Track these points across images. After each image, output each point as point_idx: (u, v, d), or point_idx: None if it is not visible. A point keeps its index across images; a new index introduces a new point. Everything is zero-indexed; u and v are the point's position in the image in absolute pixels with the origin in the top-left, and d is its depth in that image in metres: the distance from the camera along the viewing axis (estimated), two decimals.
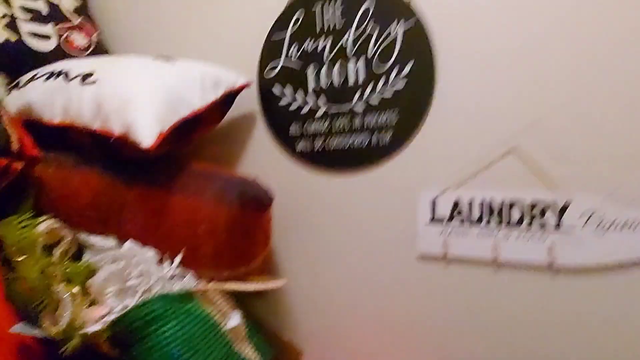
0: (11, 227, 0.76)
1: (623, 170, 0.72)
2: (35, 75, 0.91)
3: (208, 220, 0.82)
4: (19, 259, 0.74)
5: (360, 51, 0.90)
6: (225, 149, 1.04)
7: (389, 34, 0.87)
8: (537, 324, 0.80)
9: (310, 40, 0.94)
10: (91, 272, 0.82)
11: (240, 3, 1.02)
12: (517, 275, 0.80)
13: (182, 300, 0.76)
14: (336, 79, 0.92)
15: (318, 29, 0.93)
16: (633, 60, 0.71)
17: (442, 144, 0.85)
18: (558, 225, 0.76)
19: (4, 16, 0.97)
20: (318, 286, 0.98)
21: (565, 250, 0.76)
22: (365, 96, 0.90)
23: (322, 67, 0.93)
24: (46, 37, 1.02)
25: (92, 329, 0.71)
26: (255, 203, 0.83)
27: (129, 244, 0.81)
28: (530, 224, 0.78)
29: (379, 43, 0.88)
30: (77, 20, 1.09)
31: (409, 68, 0.86)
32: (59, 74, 0.89)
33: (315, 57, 0.94)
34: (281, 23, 0.97)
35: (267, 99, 1.00)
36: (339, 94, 0.92)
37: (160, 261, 0.82)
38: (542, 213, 0.78)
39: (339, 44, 0.91)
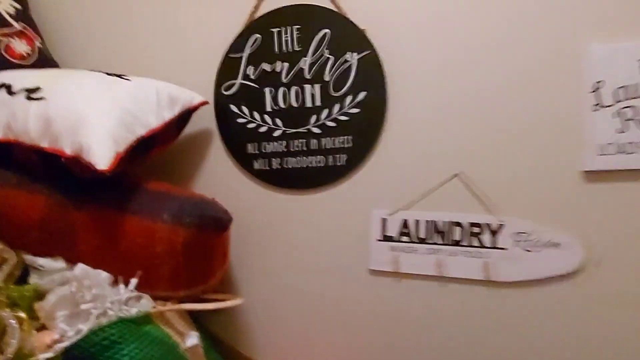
0: None
1: (547, 197, 0.82)
2: None
3: (165, 241, 0.81)
4: None
5: (317, 76, 0.93)
6: (180, 166, 1.04)
7: (345, 61, 0.92)
8: (477, 332, 0.88)
9: (267, 63, 0.96)
10: (39, 295, 0.79)
11: (197, 21, 1.02)
12: (458, 288, 0.89)
13: (140, 322, 0.75)
14: (293, 101, 0.96)
15: (276, 52, 0.96)
16: (561, 96, 0.81)
17: (393, 167, 0.91)
18: (493, 245, 0.85)
19: None
20: (275, 302, 1.01)
21: (499, 267, 0.85)
22: (321, 119, 0.94)
23: (280, 89, 0.96)
24: None
25: (43, 356, 0.69)
26: (214, 224, 0.84)
27: (81, 266, 0.78)
28: (469, 243, 0.87)
29: (334, 69, 0.92)
30: (17, 25, 1.03)
31: (363, 95, 0.91)
32: (1, 86, 0.84)
33: (272, 79, 0.96)
34: (238, 43, 0.98)
35: (224, 117, 1.01)
36: (296, 116, 0.96)
37: (115, 283, 0.81)
38: (479, 234, 0.86)
39: (296, 68, 0.95)
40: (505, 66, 0.83)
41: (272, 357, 1.01)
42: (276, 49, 0.96)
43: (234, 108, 1.00)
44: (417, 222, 0.90)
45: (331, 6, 0.92)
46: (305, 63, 0.94)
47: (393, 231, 0.91)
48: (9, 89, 0.83)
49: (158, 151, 0.93)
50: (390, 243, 0.92)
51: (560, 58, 0.80)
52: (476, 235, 0.86)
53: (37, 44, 1.05)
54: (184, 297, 0.87)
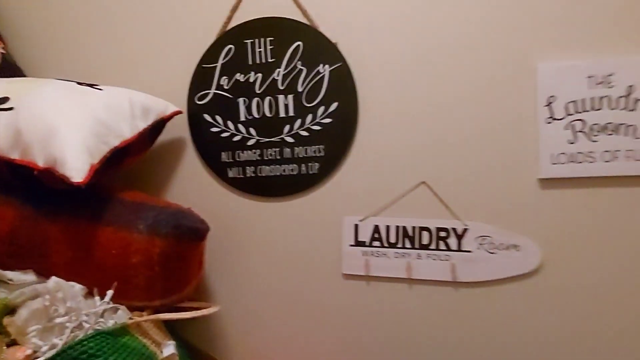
0: None
1: (507, 203, 0.88)
2: None
3: (142, 252, 0.81)
4: None
5: (290, 87, 0.96)
6: (154, 176, 1.03)
7: (317, 73, 0.95)
8: (444, 330, 0.93)
9: (241, 73, 0.98)
10: (8, 310, 0.77)
11: (170, 31, 1.02)
12: (426, 290, 0.93)
13: (117, 334, 0.76)
14: (267, 111, 0.98)
15: (249, 63, 0.98)
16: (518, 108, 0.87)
17: (364, 175, 0.95)
18: (458, 248, 0.91)
19: None
20: (250, 308, 1.02)
21: (465, 269, 0.91)
22: (295, 129, 0.97)
23: (254, 99, 0.98)
24: None
25: None
26: (191, 234, 0.84)
27: (54, 279, 0.78)
28: (437, 246, 0.92)
29: (307, 81, 0.95)
30: None
31: (335, 105, 0.94)
32: None
33: (246, 89, 0.98)
34: (212, 54, 0.99)
35: (198, 126, 1.02)
36: (270, 125, 0.98)
37: (90, 295, 0.81)
38: (446, 237, 0.91)
39: (270, 79, 0.97)
40: (468, 82, 0.89)
41: None
42: (250, 60, 0.98)
43: (207, 117, 1.01)
44: (388, 227, 0.94)
45: (303, 20, 0.95)
46: (278, 74, 0.96)
47: (365, 236, 0.95)
48: None
49: (131, 161, 0.93)
50: (362, 248, 0.96)
51: (518, 75, 0.86)
52: (443, 239, 0.91)
53: (0, 49, 1.02)
54: (160, 307, 0.87)
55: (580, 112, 0.84)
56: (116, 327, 0.76)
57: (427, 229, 0.92)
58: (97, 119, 0.82)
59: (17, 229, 0.81)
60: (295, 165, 0.97)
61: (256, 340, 1.03)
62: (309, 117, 0.96)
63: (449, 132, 0.90)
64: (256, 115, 0.98)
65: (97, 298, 0.80)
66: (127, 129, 0.87)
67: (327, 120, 0.95)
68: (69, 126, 0.79)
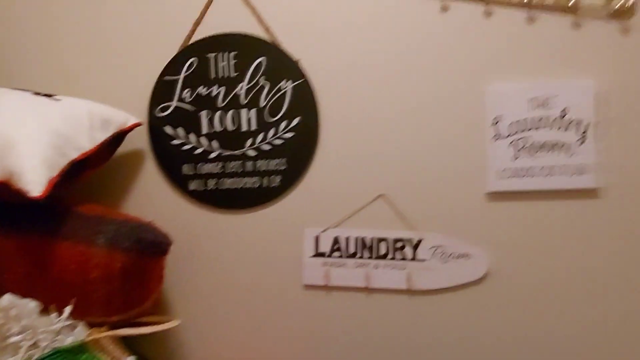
0: None
1: (459, 214, 0.94)
2: None
3: (101, 267, 0.80)
4: None
5: (253, 101, 0.98)
6: (112, 188, 1.02)
7: (280, 88, 0.97)
8: (400, 337, 0.98)
9: (204, 86, 0.99)
10: None
11: (132, 43, 1.02)
12: (384, 298, 0.98)
13: (75, 352, 0.74)
14: (230, 125, 0.99)
15: (212, 77, 0.99)
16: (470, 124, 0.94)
17: (324, 188, 0.98)
18: (414, 258, 0.96)
19: None
20: (210, 321, 1.03)
21: (419, 277, 0.96)
22: (257, 143, 0.98)
23: (216, 112, 0.99)
24: None
25: None
26: (154, 248, 0.84)
27: (7, 297, 0.75)
28: (393, 257, 0.96)
29: (270, 96, 0.98)
30: None
31: (297, 121, 0.97)
32: None
33: (209, 103, 0.99)
34: (173, 66, 1.00)
35: (158, 138, 1.01)
36: (233, 139, 0.99)
37: (46, 312, 0.78)
38: (402, 248, 0.96)
39: (233, 93, 0.98)
40: (424, 102, 0.94)
41: None
42: (212, 74, 0.99)
43: (169, 130, 1.01)
44: (348, 238, 0.98)
45: (267, 37, 0.97)
46: (241, 88, 0.98)
47: (325, 248, 0.98)
48: None
49: (90, 173, 0.91)
50: (322, 259, 0.99)
51: (468, 96, 0.93)
52: (400, 249, 0.96)
53: None
54: (118, 322, 0.86)
55: (522, 131, 0.92)
56: (74, 344, 0.75)
57: (385, 240, 0.97)
58: (55, 131, 0.81)
59: None
60: (257, 178, 0.99)
61: (217, 353, 1.03)
62: (272, 131, 0.98)
63: (405, 147, 0.95)
64: (218, 129, 0.99)
65: (53, 315, 0.78)
66: (86, 141, 0.86)
67: (289, 135, 0.98)
68: (25, 138, 0.77)
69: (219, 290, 1.02)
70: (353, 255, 0.98)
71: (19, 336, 0.73)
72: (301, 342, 1.00)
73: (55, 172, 0.77)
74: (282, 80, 0.97)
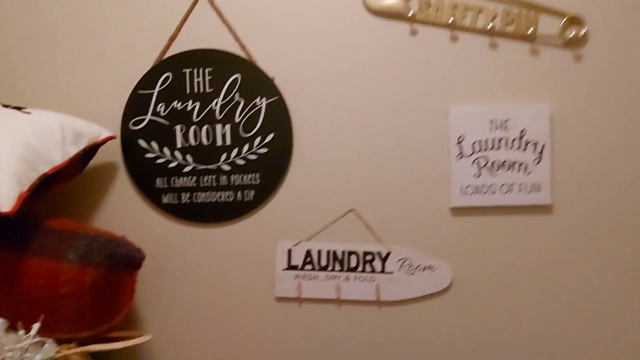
0: None
1: (424, 228, 0.99)
2: None
3: (72, 282, 0.80)
4: None
5: (228, 117, 1.00)
6: (83, 202, 1.01)
7: (255, 105, 1.00)
8: (370, 347, 1.01)
9: (179, 101, 1.00)
10: None
11: (106, 56, 1.01)
12: (353, 309, 1.01)
13: None
14: (204, 140, 1.00)
15: (187, 91, 1.00)
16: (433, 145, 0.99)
17: (297, 202, 1.01)
18: (382, 270, 1.00)
19: None
20: (183, 335, 1.03)
21: (387, 288, 1.00)
22: (231, 157, 1.00)
23: (191, 127, 1.00)
24: None
25: None
26: (127, 263, 0.84)
27: None
28: (363, 269, 1.00)
29: (245, 112, 1.00)
30: None
31: (271, 137, 1.00)
32: None
33: (183, 117, 1.00)
34: (148, 80, 1.00)
35: (132, 151, 1.01)
36: (207, 153, 1.00)
37: (13, 329, 0.77)
38: (372, 260, 1.00)
39: (208, 108, 1.00)
40: (392, 121, 0.99)
41: None
42: (188, 89, 1.00)
43: (142, 143, 1.01)
44: (319, 252, 1.00)
45: (242, 54, 1.00)
46: (216, 104, 1.00)
47: (298, 261, 1.01)
48: None
49: (61, 187, 0.90)
50: (294, 271, 1.01)
51: (434, 117, 0.98)
52: (369, 262, 1.00)
53: None
54: (88, 337, 0.85)
55: (484, 150, 0.98)
56: None
57: (355, 253, 1.00)
58: (25, 144, 0.80)
59: None
60: (231, 192, 1.01)
61: None
62: (246, 147, 1.00)
63: (374, 164, 0.99)
64: (193, 143, 1.00)
65: (21, 332, 0.76)
66: (58, 155, 0.85)
67: (263, 150, 1.00)
68: None
69: (191, 304, 1.03)
70: (324, 268, 1.01)
71: None
72: (274, 353, 1.02)
73: (25, 186, 0.77)
74: (257, 97, 0.99)
